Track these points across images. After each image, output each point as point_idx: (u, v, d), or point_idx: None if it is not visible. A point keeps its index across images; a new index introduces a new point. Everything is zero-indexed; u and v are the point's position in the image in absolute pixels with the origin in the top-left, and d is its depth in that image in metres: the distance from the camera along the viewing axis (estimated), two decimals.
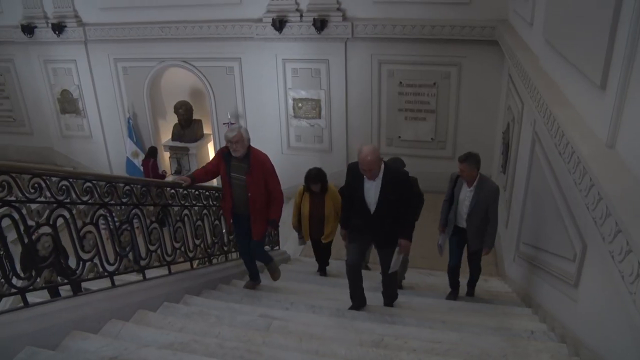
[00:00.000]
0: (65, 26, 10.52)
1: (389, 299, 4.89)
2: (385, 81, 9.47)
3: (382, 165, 4.32)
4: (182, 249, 4.75)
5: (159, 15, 10.04)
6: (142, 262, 4.10)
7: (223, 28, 9.72)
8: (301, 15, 9.19)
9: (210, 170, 4.97)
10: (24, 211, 2.92)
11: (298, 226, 6.21)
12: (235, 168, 4.76)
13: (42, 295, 3.32)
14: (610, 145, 2.95)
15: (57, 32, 10.49)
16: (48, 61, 11.15)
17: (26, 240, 2.98)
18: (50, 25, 10.50)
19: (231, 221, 5.09)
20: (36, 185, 2.98)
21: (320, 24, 8.97)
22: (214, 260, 5.44)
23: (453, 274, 5.47)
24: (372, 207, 4.37)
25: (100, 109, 11.39)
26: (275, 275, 5.32)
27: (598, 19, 3.09)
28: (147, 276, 4.21)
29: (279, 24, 9.14)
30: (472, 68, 8.80)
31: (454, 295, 5.54)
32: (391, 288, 4.85)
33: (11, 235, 2.93)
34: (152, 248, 4.24)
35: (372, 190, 4.33)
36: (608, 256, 2.51)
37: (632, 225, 2.27)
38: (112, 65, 10.89)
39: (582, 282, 3.51)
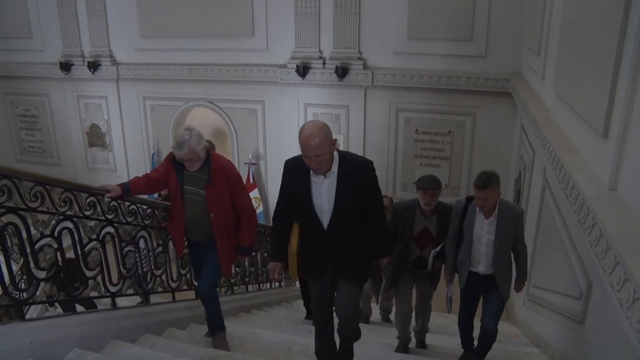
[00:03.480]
0: (100, 64, 11.10)
1: None
2: (402, 128, 9.83)
3: (336, 154, 3.06)
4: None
5: (188, 57, 10.57)
6: (173, 285, 4.38)
7: (249, 72, 10.21)
8: (324, 63, 9.66)
9: (154, 180, 3.84)
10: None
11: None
12: (190, 179, 3.70)
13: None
14: (612, 188, 3.22)
15: (92, 70, 11.08)
16: (81, 96, 11.70)
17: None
18: (86, 63, 11.10)
19: (184, 250, 4.08)
20: (92, 203, 3.32)
21: (342, 72, 9.42)
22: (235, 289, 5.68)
23: (466, 328, 4.32)
24: (325, 219, 3.10)
25: (126, 144, 11.84)
26: (220, 346, 3.88)
27: (601, 74, 3.42)
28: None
29: (303, 70, 9.61)
30: (486, 118, 9.15)
31: (467, 357, 4.36)
32: (348, 345, 3.51)
33: None
34: (182, 272, 4.51)
35: (323, 193, 3.07)
36: (608, 287, 2.76)
37: (629, 257, 2.52)
38: (141, 102, 11.40)
39: (587, 318, 3.72)
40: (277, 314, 5.84)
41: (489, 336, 4.07)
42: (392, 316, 6.09)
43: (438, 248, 4.17)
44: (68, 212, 3.13)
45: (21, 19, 11.44)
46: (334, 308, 3.41)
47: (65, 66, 11.23)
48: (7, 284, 2.73)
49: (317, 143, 2.86)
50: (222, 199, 3.70)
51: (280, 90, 10.13)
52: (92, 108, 11.76)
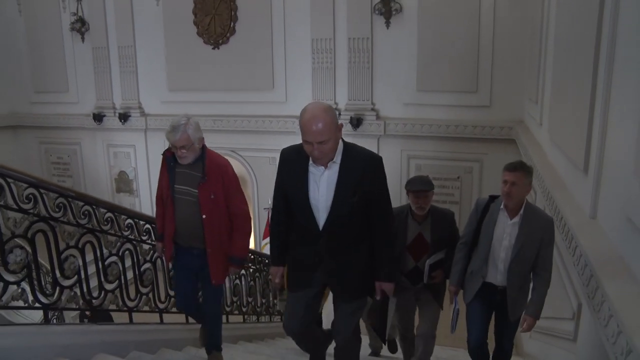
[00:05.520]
0: (130, 115, 11.88)
1: None
2: (413, 174, 10.35)
3: (341, 143, 2.73)
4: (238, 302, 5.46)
5: (212, 109, 11.26)
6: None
7: (269, 123, 10.91)
8: (339, 114, 10.27)
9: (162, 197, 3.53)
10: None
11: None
12: (182, 177, 3.39)
13: None
14: (592, 216, 3.73)
15: (122, 121, 11.84)
16: (110, 145, 12.45)
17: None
18: (117, 114, 11.90)
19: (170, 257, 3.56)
20: (147, 229, 3.91)
21: (356, 122, 10.07)
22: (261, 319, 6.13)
23: (478, 356, 3.73)
24: (322, 218, 2.73)
25: (152, 190, 12.46)
26: None
27: (580, 120, 4.00)
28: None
29: None
30: (493, 164, 9.64)
31: None
32: None
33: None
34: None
35: (321, 186, 2.71)
36: (586, 297, 3.26)
37: (600, 270, 3.02)
38: None
39: (579, 335, 4.17)
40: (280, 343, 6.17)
41: (505, 355, 3.71)
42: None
43: (433, 256, 3.80)
44: (130, 236, 3.72)
45: (60, 74, 12.37)
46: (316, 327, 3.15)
47: (98, 117, 12.03)
48: (85, 293, 3.31)
49: (321, 128, 2.52)
50: (216, 200, 3.36)
51: (298, 140, 10.71)
52: (120, 156, 12.49)
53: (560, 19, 5.36)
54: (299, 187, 2.75)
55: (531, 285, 3.67)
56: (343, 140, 2.77)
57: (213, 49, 11.16)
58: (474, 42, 9.27)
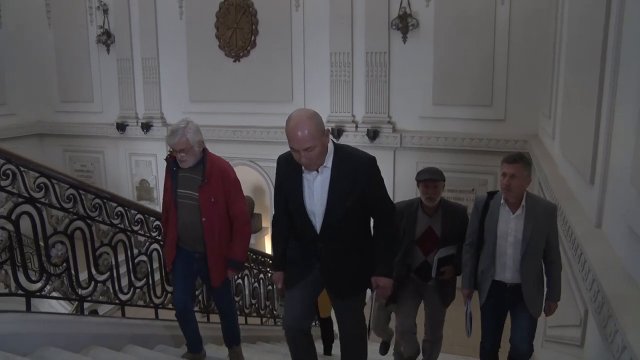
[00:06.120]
0: (152, 125, 12.21)
1: None
2: None
3: (332, 146, 2.73)
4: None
5: (232, 120, 11.58)
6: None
7: None
8: (356, 126, 10.56)
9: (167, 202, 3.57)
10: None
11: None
12: (184, 181, 3.43)
13: None
14: (597, 225, 3.89)
15: (144, 130, 12.19)
16: (133, 154, 12.79)
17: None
18: (139, 124, 12.25)
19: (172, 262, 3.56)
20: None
21: (373, 134, 10.28)
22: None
23: None
24: (318, 222, 2.76)
25: None
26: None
27: (587, 134, 4.18)
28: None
29: (337, 133, 10.44)
30: None
31: None
32: None
33: None
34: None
35: (315, 192, 2.73)
36: (589, 301, 3.41)
37: (602, 275, 3.18)
38: None
39: (586, 341, 4.29)
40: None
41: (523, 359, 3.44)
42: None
43: (442, 250, 3.70)
44: (157, 237, 3.96)
45: (85, 84, 12.81)
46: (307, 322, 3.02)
47: (121, 127, 12.39)
48: (116, 288, 3.55)
49: (306, 135, 2.51)
50: (216, 203, 3.39)
51: None
52: (142, 165, 12.81)
53: (570, 37, 5.56)
54: (295, 193, 2.80)
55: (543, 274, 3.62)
56: (334, 143, 2.79)
57: (234, 61, 11.48)
58: (489, 57, 9.47)
